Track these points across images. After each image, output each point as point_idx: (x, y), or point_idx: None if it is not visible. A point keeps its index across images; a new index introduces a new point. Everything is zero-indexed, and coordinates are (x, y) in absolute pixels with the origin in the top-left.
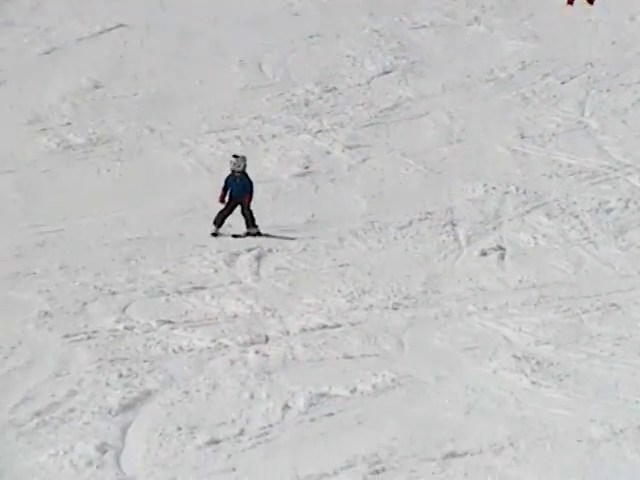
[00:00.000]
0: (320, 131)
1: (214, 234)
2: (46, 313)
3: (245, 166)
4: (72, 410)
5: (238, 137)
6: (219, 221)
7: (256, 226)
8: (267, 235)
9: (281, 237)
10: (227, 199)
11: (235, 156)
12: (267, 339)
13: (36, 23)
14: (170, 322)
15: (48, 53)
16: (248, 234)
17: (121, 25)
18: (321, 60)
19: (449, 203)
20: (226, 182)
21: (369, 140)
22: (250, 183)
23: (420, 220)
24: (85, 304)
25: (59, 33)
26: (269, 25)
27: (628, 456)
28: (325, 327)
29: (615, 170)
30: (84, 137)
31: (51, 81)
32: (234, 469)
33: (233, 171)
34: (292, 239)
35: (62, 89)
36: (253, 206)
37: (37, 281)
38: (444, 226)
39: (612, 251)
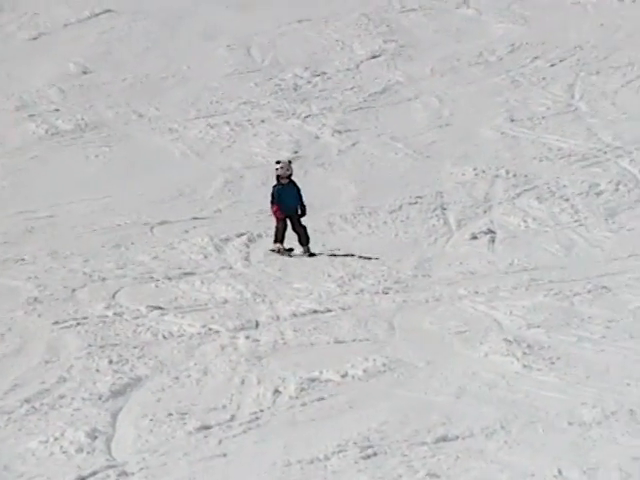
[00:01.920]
0: (309, 116)
1: (278, 251)
2: (35, 299)
3: (291, 172)
4: (62, 397)
5: (227, 122)
6: (280, 237)
7: (308, 243)
8: (318, 254)
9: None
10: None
11: (278, 162)
12: (257, 324)
13: (23, 9)
14: (160, 308)
15: (35, 39)
16: (309, 253)
17: (108, 10)
18: (310, 44)
19: (439, 187)
20: (274, 193)
21: (358, 124)
22: (299, 191)
23: (410, 204)
24: (74, 290)
25: (46, 18)
26: (257, 9)
27: (619, 439)
28: (316, 312)
29: (605, 153)
30: (72, 123)
31: (39, 67)
32: (225, 454)
33: (279, 179)
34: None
35: (50, 75)
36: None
37: (26, 267)
38: (434, 210)
39: (602, 234)
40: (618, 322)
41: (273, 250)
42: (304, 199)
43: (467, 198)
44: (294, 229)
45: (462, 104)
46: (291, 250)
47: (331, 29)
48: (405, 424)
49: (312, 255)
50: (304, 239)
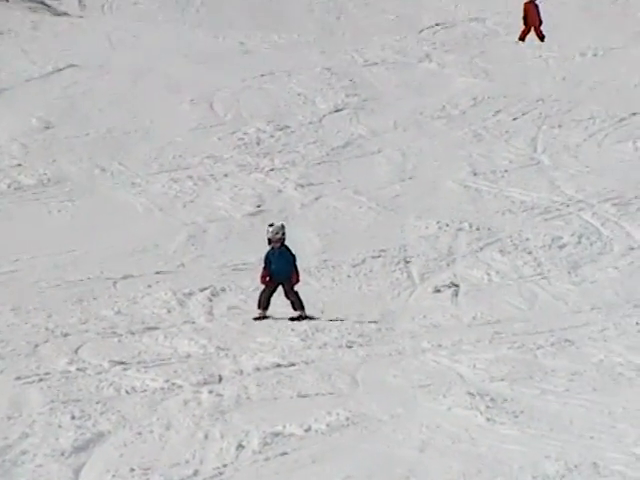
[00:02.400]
0: (272, 170)
1: (259, 318)
2: None
3: (284, 236)
4: (24, 452)
5: (190, 177)
6: (264, 303)
7: (303, 308)
8: (312, 317)
9: (234, 276)
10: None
11: (270, 225)
12: (221, 379)
13: None
14: (123, 363)
15: None
16: (300, 317)
17: (72, 65)
18: (273, 98)
19: (402, 240)
20: (266, 258)
21: (321, 178)
22: (293, 257)
23: (373, 257)
24: (37, 346)
25: (8, 73)
26: (221, 64)
27: None
28: (279, 366)
29: (567, 206)
30: (35, 178)
31: (1, 122)
32: None
33: (271, 243)
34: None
35: (12, 130)
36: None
37: None
38: (397, 263)
39: (565, 287)
40: (581, 375)
41: (256, 318)
42: (297, 265)
43: (430, 251)
44: (286, 296)
45: (425, 157)
46: (266, 318)
47: (294, 83)
48: (369, 478)
49: (307, 318)
50: (297, 305)
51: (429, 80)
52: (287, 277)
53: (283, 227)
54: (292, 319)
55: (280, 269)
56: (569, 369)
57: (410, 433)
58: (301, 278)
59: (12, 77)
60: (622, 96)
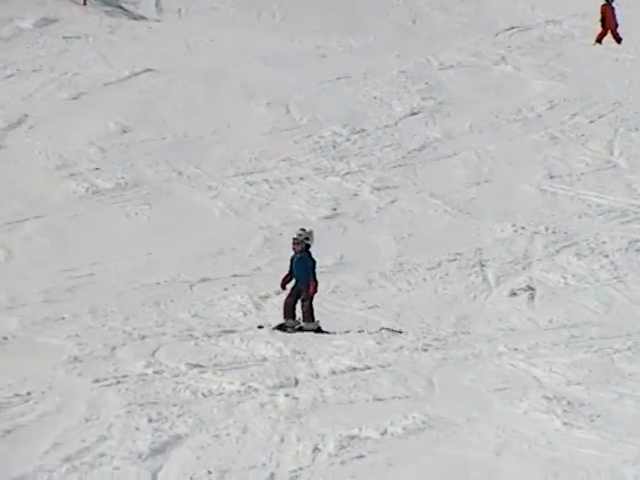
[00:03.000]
0: (348, 173)
1: (281, 327)
2: (75, 358)
3: (309, 242)
4: (102, 455)
5: (266, 180)
6: (288, 313)
7: (315, 322)
8: (324, 331)
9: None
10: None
11: (302, 229)
12: (297, 382)
13: (63, 68)
14: (199, 366)
15: (76, 98)
16: (301, 329)
17: (149, 69)
18: (349, 102)
19: (478, 243)
20: (291, 262)
21: (397, 181)
22: (313, 264)
23: (449, 261)
24: (114, 348)
25: (86, 78)
26: (296, 67)
27: None
28: (355, 369)
29: None
30: (112, 182)
31: (79, 126)
32: None
33: (293, 245)
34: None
35: (90, 134)
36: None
37: (67, 326)
38: (473, 267)
39: None
40: None
41: (277, 327)
42: (316, 273)
43: (506, 254)
44: (300, 303)
45: (501, 161)
46: (292, 328)
47: (369, 86)
48: None
49: (302, 330)
50: (306, 317)
51: (505, 83)
52: (304, 283)
53: (311, 233)
54: (278, 327)
55: (298, 274)
56: None
57: (486, 437)
58: (319, 289)
59: (90, 81)
60: None
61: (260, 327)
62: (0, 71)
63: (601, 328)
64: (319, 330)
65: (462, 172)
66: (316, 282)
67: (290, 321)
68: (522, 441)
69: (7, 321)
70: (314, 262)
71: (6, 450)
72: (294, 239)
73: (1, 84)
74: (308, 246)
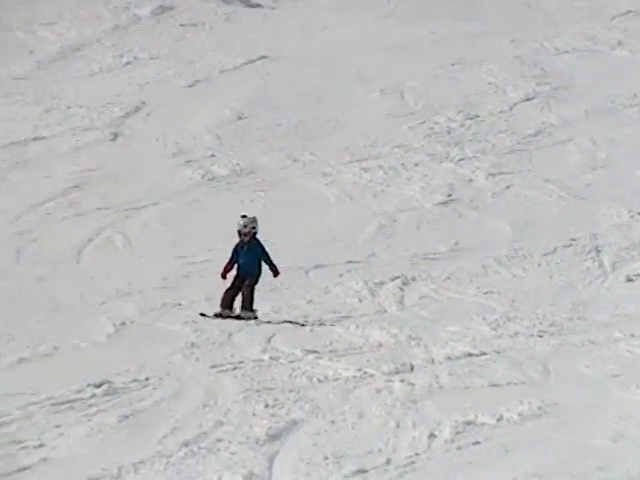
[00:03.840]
0: (462, 159)
1: (217, 315)
2: (193, 344)
3: (255, 230)
4: (219, 440)
5: (380, 166)
6: (227, 302)
7: (253, 310)
8: (269, 322)
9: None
10: (235, 273)
11: (243, 217)
12: (412, 368)
13: (180, 56)
14: (315, 352)
15: (192, 85)
16: (239, 317)
17: (264, 57)
18: (463, 87)
19: (593, 229)
20: (233, 251)
21: (512, 167)
22: (264, 253)
23: (564, 247)
24: (231, 335)
25: (202, 65)
26: (411, 53)
27: None
28: (470, 355)
29: None
30: (228, 168)
31: (195, 113)
32: None
33: (240, 236)
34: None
35: (206, 121)
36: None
37: (183, 312)
38: (589, 252)
39: None
40: None
41: (216, 315)
42: (271, 258)
43: (622, 240)
44: (241, 291)
45: (617, 146)
46: (222, 316)
47: (484, 72)
48: (562, 468)
49: (255, 319)
50: (246, 304)
51: (621, 68)
52: (250, 274)
53: (255, 220)
54: (217, 315)
55: (246, 265)
56: None
57: (603, 423)
58: (281, 272)
59: (206, 69)
60: None
61: (202, 315)
62: (117, 59)
63: None
64: (256, 318)
65: (577, 158)
66: (275, 266)
67: (227, 311)
68: (639, 428)
69: (125, 307)
70: (265, 252)
71: (125, 435)
72: (240, 231)
73: (119, 72)
74: (255, 234)
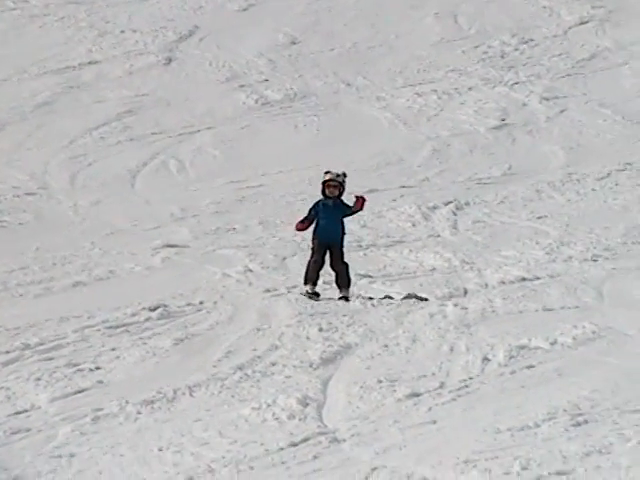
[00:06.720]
0: (516, 83)
1: (310, 294)
2: (246, 268)
3: (343, 188)
4: (274, 364)
5: (434, 90)
6: (313, 277)
7: (348, 286)
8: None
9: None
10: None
11: (327, 172)
12: (466, 292)
13: None
14: (369, 276)
15: (245, 10)
16: (346, 298)
17: None
18: (517, 11)
19: None
20: (312, 209)
21: (566, 91)
22: (348, 207)
23: (619, 171)
24: (284, 259)
25: None
26: None
27: None
28: (524, 279)
29: None
30: (281, 93)
31: (248, 37)
32: (435, 421)
33: (329, 189)
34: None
35: (259, 45)
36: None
37: (237, 237)
38: None
39: None
40: None
41: (302, 294)
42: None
43: None
44: (331, 265)
45: None
46: (317, 295)
47: None
48: (616, 392)
49: (347, 300)
50: (343, 281)
51: None
52: (336, 239)
53: (345, 175)
54: (310, 295)
55: (330, 225)
56: None
57: None
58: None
59: None
60: None
61: (309, 295)
62: None
63: None
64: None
65: (632, 81)
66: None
67: (314, 286)
68: None
69: (179, 232)
70: (347, 204)
71: (180, 358)
72: (330, 183)
73: None
74: (342, 193)
